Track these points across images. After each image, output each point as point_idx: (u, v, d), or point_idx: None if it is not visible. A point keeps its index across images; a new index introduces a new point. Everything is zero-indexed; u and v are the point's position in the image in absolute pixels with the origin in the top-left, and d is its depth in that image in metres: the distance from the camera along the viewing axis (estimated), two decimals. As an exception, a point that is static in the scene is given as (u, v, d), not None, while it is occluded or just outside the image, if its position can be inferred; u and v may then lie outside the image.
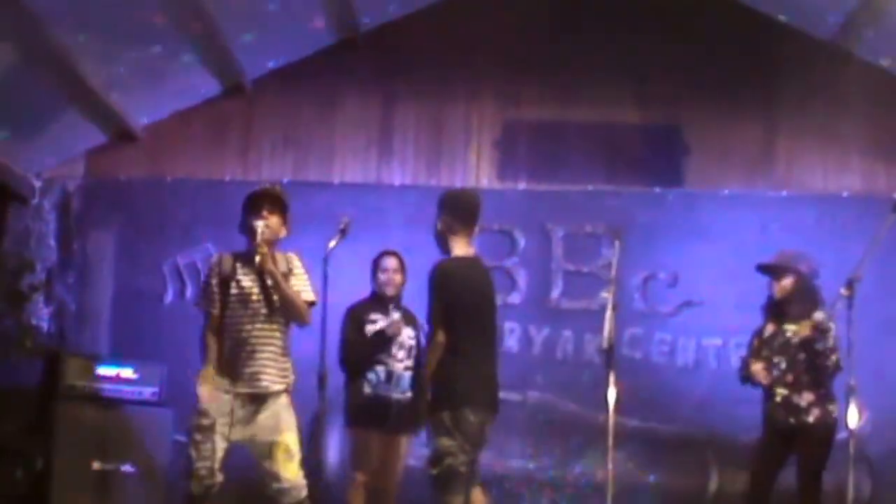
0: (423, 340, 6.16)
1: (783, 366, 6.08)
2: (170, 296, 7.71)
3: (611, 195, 7.66)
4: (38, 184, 7.71)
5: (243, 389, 5.20)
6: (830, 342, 5.95)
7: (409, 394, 6.17)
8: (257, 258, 5.15)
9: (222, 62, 7.44)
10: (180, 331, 7.48)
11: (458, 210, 5.44)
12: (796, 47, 7.67)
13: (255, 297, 5.24)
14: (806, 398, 5.99)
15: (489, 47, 7.86)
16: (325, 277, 5.32)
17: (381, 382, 6.12)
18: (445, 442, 5.20)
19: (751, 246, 7.43)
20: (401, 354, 6.19)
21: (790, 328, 6.07)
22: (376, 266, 6.29)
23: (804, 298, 6.08)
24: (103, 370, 6.76)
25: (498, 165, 7.85)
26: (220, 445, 5.19)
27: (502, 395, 7.33)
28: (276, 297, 5.22)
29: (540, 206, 7.68)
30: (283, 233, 5.31)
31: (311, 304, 5.34)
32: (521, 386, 7.46)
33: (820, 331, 5.92)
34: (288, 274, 5.29)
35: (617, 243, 5.65)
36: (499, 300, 7.50)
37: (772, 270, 6.22)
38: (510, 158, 7.85)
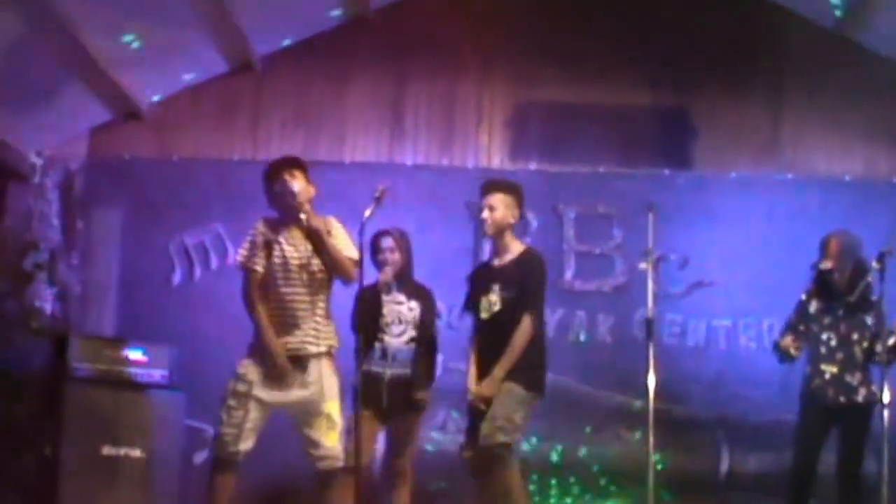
0: (425, 316, 6.14)
1: (833, 343, 6.11)
2: (178, 277, 7.56)
3: (622, 177, 7.66)
4: (39, 162, 7.48)
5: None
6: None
7: (410, 367, 6.06)
8: (302, 216, 5.16)
9: (232, 39, 7.27)
10: (189, 313, 7.47)
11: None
12: (803, 35, 7.83)
13: (296, 262, 5.22)
14: (857, 377, 6.05)
15: (501, 28, 7.82)
16: (361, 247, 5.23)
17: (375, 359, 6.00)
18: (521, 420, 5.56)
19: (759, 228, 7.62)
20: (398, 329, 6.08)
21: (844, 308, 6.12)
22: (374, 248, 6.13)
23: (861, 279, 6.13)
24: (111, 352, 6.59)
25: (509, 146, 7.80)
26: (254, 415, 5.17)
27: None
28: (321, 257, 5.20)
29: (551, 187, 7.64)
30: (313, 191, 5.31)
31: (355, 262, 5.28)
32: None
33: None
34: (327, 234, 5.25)
35: (651, 215, 5.69)
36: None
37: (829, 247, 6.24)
38: (522, 139, 7.81)
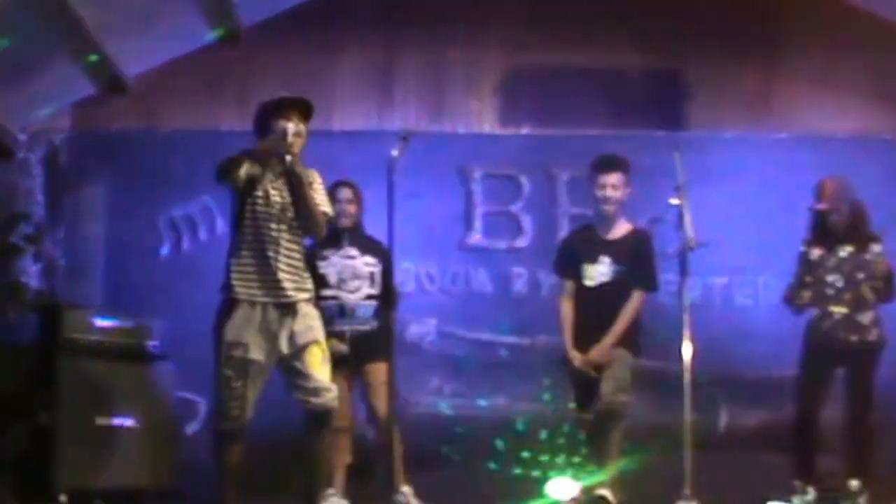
0: (385, 268, 6.03)
1: (840, 284, 6.07)
2: (166, 249, 7.50)
3: (614, 139, 7.50)
4: (23, 137, 7.39)
5: (268, 299, 4.99)
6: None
7: (372, 324, 6.00)
8: (288, 158, 4.94)
9: (217, 8, 7.18)
10: (177, 286, 7.36)
11: None
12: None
13: (279, 204, 5.02)
14: (868, 316, 6.02)
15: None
16: (390, 187, 5.23)
17: (334, 318, 5.90)
18: (632, 381, 5.90)
19: (754, 187, 7.59)
20: (354, 284, 6.02)
21: (846, 249, 6.10)
22: (329, 197, 5.93)
23: (863, 221, 6.17)
24: (102, 322, 6.43)
25: (500, 111, 7.76)
26: (255, 382, 4.98)
27: (511, 339, 7.47)
28: (297, 205, 5.00)
29: (544, 151, 7.61)
30: (302, 141, 5.08)
31: (329, 218, 5.19)
32: (530, 331, 7.42)
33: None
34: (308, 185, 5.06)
35: (676, 154, 5.78)
36: (505, 245, 7.63)
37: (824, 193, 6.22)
38: (512, 104, 7.76)
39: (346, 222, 6.11)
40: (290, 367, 5.05)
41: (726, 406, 7.39)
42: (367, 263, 6.07)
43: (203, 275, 7.18)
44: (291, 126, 4.99)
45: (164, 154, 7.51)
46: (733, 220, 7.41)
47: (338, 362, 5.51)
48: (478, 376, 7.49)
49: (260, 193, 5.02)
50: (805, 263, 6.25)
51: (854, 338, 6.03)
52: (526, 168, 7.60)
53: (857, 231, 6.16)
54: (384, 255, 5.99)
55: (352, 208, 6.14)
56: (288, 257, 5.05)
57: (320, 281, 5.89)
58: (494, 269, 7.62)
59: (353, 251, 6.06)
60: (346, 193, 6.15)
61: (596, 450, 5.99)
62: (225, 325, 5.02)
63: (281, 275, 5.01)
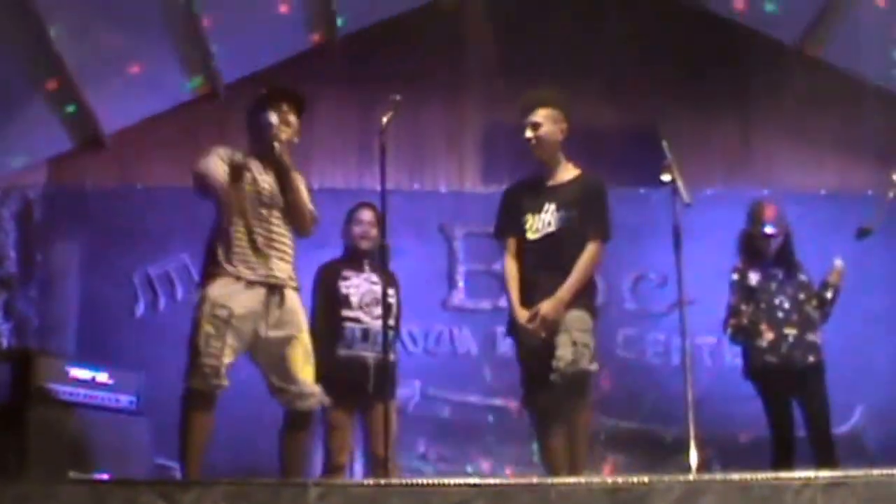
0: (399, 300, 5.84)
1: (786, 305, 5.97)
2: (141, 308, 7.32)
3: (595, 196, 7.57)
4: (-5, 192, 7.28)
5: (256, 278, 4.69)
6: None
7: (391, 355, 5.62)
8: (276, 146, 4.74)
9: (196, 65, 7.19)
10: (153, 347, 7.07)
11: None
12: (765, 52, 7.89)
13: (269, 192, 4.80)
14: (818, 335, 5.95)
15: (467, 51, 7.76)
16: (382, 150, 4.99)
17: (356, 340, 5.61)
18: (594, 348, 4.99)
19: (737, 244, 7.53)
20: (377, 310, 5.60)
21: (780, 272, 6.04)
22: (350, 219, 5.82)
23: (791, 246, 6.11)
24: (77, 372, 6.14)
25: (481, 168, 7.75)
26: (232, 349, 4.63)
27: (498, 402, 7.29)
28: (285, 197, 4.79)
29: (525, 209, 7.53)
30: (296, 138, 4.95)
31: (315, 217, 4.98)
32: (517, 393, 7.13)
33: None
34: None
35: (664, 142, 5.37)
36: (489, 304, 7.48)
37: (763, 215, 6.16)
38: (493, 161, 7.72)
39: (367, 245, 5.82)
40: (270, 363, 4.74)
41: (718, 467, 7.12)
42: (389, 295, 5.68)
43: (180, 336, 6.98)
44: (274, 116, 4.80)
45: (141, 211, 7.39)
46: (719, 278, 7.25)
47: (351, 391, 5.33)
48: (464, 440, 7.29)
49: (248, 178, 4.79)
50: (742, 290, 6.15)
51: (811, 358, 5.92)
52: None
53: (786, 256, 6.09)
54: (398, 287, 5.84)
55: (374, 232, 5.79)
56: (279, 241, 4.80)
57: (342, 301, 5.67)
58: (479, 329, 7.49)
59: (375, 277, 5.77)
60: (367, 215, 5.85)
61: (563, 435, 5.01)
62: (208, 285, 4.71)
63: (270, 253, 4.74)
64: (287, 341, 4.72)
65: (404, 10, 7.86)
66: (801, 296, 6.03)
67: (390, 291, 5.68)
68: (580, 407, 4.99)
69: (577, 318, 5.01)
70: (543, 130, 5.33)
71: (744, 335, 6.12)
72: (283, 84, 5.17)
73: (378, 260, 5.59)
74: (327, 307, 5.68)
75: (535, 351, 5.03)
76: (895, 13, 7.22)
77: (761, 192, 7.62)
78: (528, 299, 5.10)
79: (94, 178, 7.49)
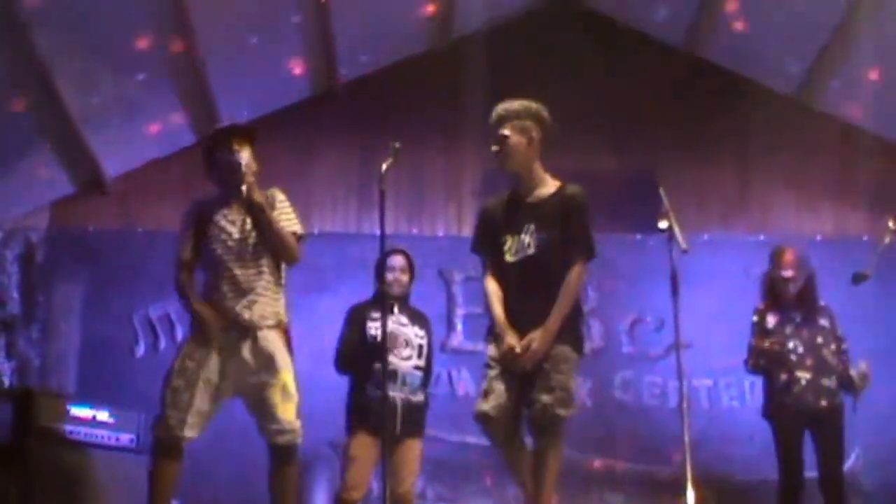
0: (430, 342, 5.95)
1: (801, 350, 6.02)
2: (141, 349, 7.37)
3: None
4: (-1, 234, 7.37)
5: (228, 325, 4.78)
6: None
7: (419, 395, 5.81)
8: (244, 188, 4.76)
9: (198, 109, 7.29)
10: (153, 385, 7.03)
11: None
12: (762, 101, 7.98)
13: (236, 238, 4.85)
14: (834, 380, 5.97)
15: (466, 98, 7.80)
16: (382, 196, 4.96)
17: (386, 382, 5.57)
18: (575, 390, 4.77)
19: (734, 288, 7.53)
20: (406, 352, 5.81)
21: (798, 315, 6.09)
22: (382, 265, 5.83)
23: (814, 290, 6.18)
24: (78, 411, 6.22)
25: (479, 215, 7.80)
26: (202, 400, 4.73)
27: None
28: (261, 234, 4.83)
29: (523, 254, 7.59)
30: (254, 166, 4.91)
31: (300, 237, 4.98)
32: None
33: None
34: (270, 209, 4.89)
35: (661, 189, 5.39)
36: (483, 348, 7.50)
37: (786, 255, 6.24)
38: (490, 207, 7.78)
39: (397, 290, 5.95)
40: (251, 404, 4.84)
41: (717, 510, 7.23)
42: (416, 334, 5.91)
43: (179, 376, 7.18)
44: (242, 155, 4.84)
45: (142, 253, 7.46)
46: (716, 322, 7.39)
47: (378, 430, 5.37)
48: (462, 480, 7.33)
49: (214, 232, 4.89)
50: (760, 331, 6.19)
51: (824, 402, 5.95)
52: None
53: (807, 300, 6.15)
54: (429, 329, 5.96)
55: (405, 277, 5.99)
56: (252, 284, 4.84)
57: (370, 341, 5.75)
58: (477, 370, 7.39)
59: (404, 319, 5.90)
60: (399, 261, 6.02)
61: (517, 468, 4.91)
62: (188, 339, 4.88)
63: (238, 306, 4.80)
64: (263, 387, 4.80)
65: (403, 57, 7.97)
66: (819, 339, 6.06)
67: (421, 333, 5.97)
68: (550, 445, 4.75)
69: (560, 357, 4.75)
70: (510, 141, 5.05)
71: (755, 364, 6.16)
72: (232, 123, 5.21)
73: (408, 304, 5.96)
74: (357, 347, 5.79)
75: (513, 378, 4.76)
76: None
77: (758, 238, 7.81)
78: (510, 324, 4.82)
79: (96, 220, 7.59)
